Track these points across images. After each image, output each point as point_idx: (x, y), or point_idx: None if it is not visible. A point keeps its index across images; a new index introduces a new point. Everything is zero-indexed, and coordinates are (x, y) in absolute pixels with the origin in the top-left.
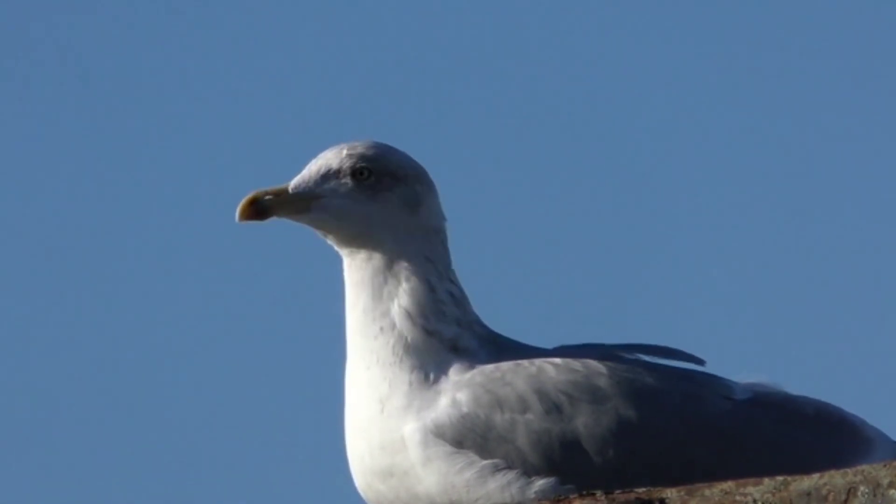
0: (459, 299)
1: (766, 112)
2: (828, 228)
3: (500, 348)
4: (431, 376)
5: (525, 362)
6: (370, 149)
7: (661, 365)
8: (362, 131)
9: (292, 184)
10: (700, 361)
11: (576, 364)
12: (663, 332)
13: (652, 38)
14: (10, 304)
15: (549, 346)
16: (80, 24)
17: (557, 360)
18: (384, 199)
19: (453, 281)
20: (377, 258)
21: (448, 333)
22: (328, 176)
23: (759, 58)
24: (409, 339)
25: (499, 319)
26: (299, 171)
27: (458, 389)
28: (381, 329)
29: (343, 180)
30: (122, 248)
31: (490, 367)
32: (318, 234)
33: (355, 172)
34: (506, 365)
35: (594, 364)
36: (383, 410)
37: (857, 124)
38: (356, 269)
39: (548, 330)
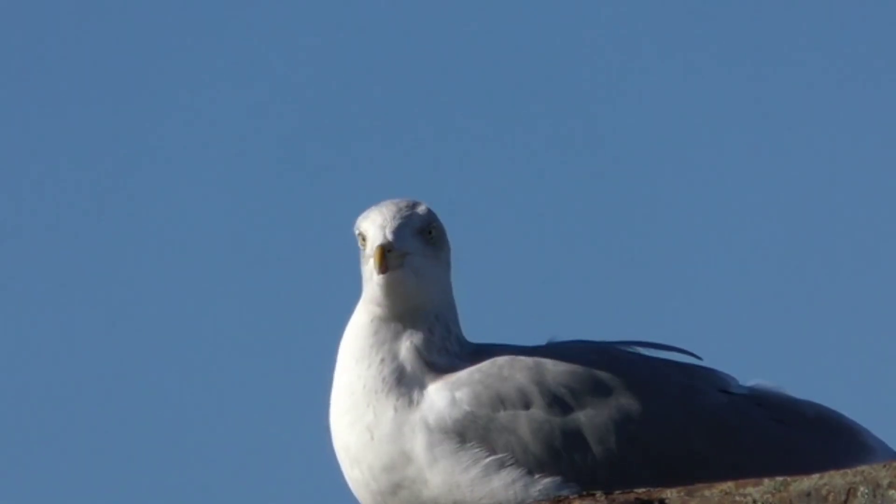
0: (461, 339)
1: (765, 111)
2: (832, 231)
3: (485, 353)
4: (415, 398)
5: (520, 356)
6: (429, 209)
7: (656, 357)
8: (354, 128)
9: (391, 238)
10: (696, 357)
11: (571, 356)
12: (661, 335)
13: (649, 37)
14: (9, 305)
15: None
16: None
17: (552, 354)
18: (442, 259)
19: (458, 322)
20: (417, 311)
21: (443, 364)
22: (411, 232)
23: (760, 56)
24: (408, 369)
25: (492, 318)
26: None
27: (456, 388)
28: (382, 360)
29: (422, 238)
30: (120, 249)
31: (486, 364)
32: (378, 298)
33: (428, 231)
34: (502, 360)
35: (591, 356)
36: (373, 438)
37: (857, 123)
38: (386, 316)
39: (542, 330)
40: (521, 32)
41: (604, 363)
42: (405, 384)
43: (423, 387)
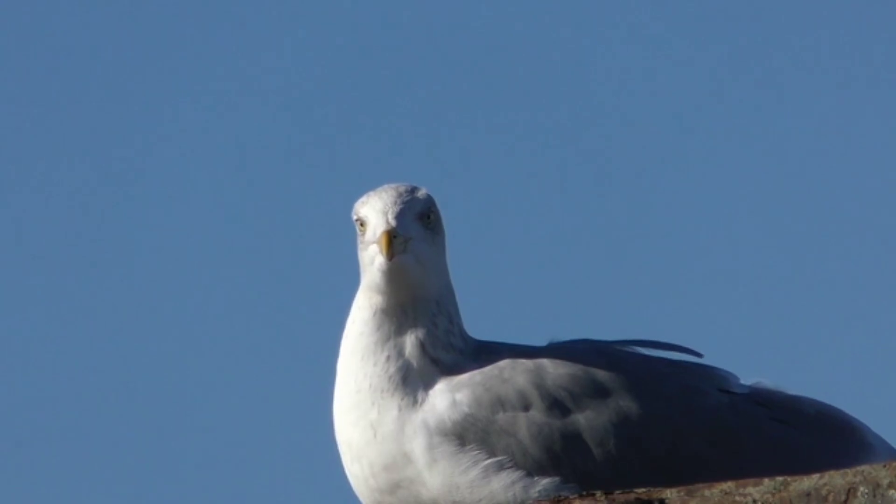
0: (464, 333)
1: (765, 111)
2: (833, 229)
3: (488, 352)
4: (420, 398)
5: (521, 359)
6: (428, 193)
7: (656, 357)
8: (352, 125)
9: (394, 224)
10: (697, 354)
11: (572, 357)
12: (662, 333)
13: (647, 36)
14: (8, 305)
15: (542, 343)
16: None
17: (553, 355)
18: (440, 244)
19: (458, 309)
20: (418, 298)
21: (448, 361)
22: (412, 217)
23: (761, 55)
24: (414, 366)
25: (492, 317)
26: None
27: (457, 390)
28: (388, 357)
29: (421, 223)
30: (116, 242)
31: (488, 366)
32: (380, 285)
33: (427, 215)
34: (503, 362)
35: (591, 357)
36: (376, 436)
37: (857, 123)
38: (388, 305)
39: (542, 330)
40: (522, 29)
41: (604, 364)
42: (410, 383)
43: (427, 387)
